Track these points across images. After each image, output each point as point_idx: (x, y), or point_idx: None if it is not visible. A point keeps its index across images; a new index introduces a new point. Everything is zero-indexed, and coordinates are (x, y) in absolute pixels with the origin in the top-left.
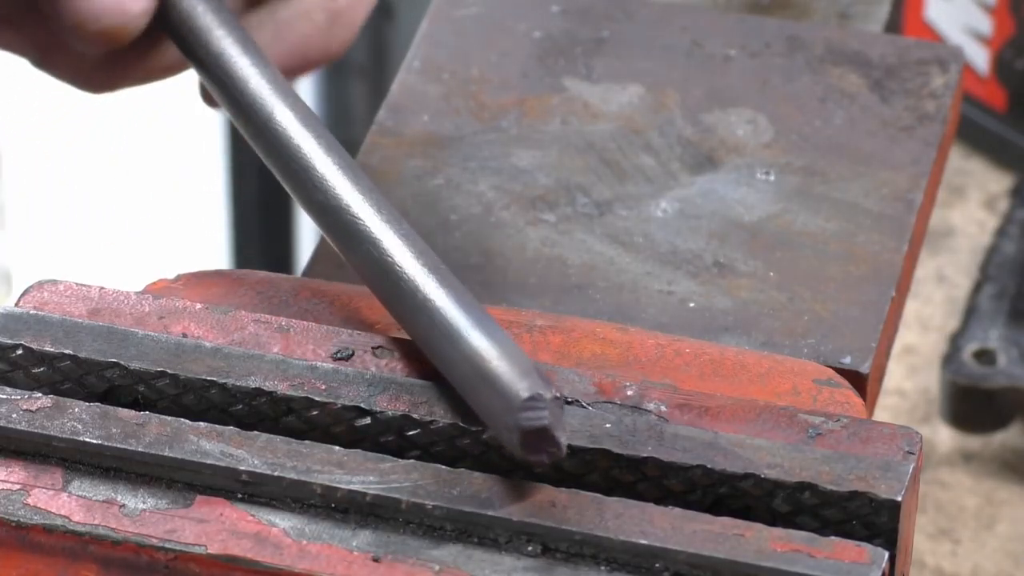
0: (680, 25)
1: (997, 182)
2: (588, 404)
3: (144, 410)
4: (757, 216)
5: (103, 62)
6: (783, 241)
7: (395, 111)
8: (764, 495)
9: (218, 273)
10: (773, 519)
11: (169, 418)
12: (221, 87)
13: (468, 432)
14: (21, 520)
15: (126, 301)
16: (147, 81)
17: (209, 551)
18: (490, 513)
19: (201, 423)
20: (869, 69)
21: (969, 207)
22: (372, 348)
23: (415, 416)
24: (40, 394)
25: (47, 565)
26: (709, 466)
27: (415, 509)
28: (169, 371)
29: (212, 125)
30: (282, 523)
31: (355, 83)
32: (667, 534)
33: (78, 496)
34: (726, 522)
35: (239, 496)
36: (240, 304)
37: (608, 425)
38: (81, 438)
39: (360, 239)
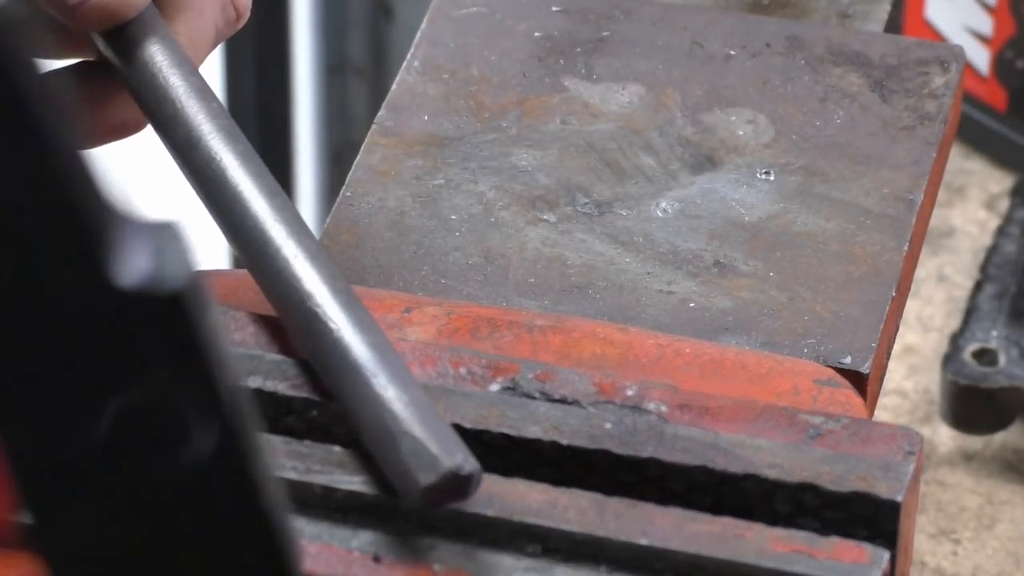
0: (680, 25)
1: (997, 182)
2: (588, 404)
3: None
4: (757, 216)
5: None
6: (783, 241)
7: (395, 111)
8: (765, 495)
9: (218, 273)
10: (774, 519)
11: None
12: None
13: (468, 432)
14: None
15: None
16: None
17: None
18: (490, 513)
19: None
20: (869, 69)
21: (969, 207)
22: None
23: None
24: None
25: None
26: (710, 466)
27: (415, 509)
28: None
29: None
30: None
31: (355, 83)
32: (667, 535)
33: None
34: (727, 522)
35: None
36: (240, 304)
37: (608, 425)
38: None
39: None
